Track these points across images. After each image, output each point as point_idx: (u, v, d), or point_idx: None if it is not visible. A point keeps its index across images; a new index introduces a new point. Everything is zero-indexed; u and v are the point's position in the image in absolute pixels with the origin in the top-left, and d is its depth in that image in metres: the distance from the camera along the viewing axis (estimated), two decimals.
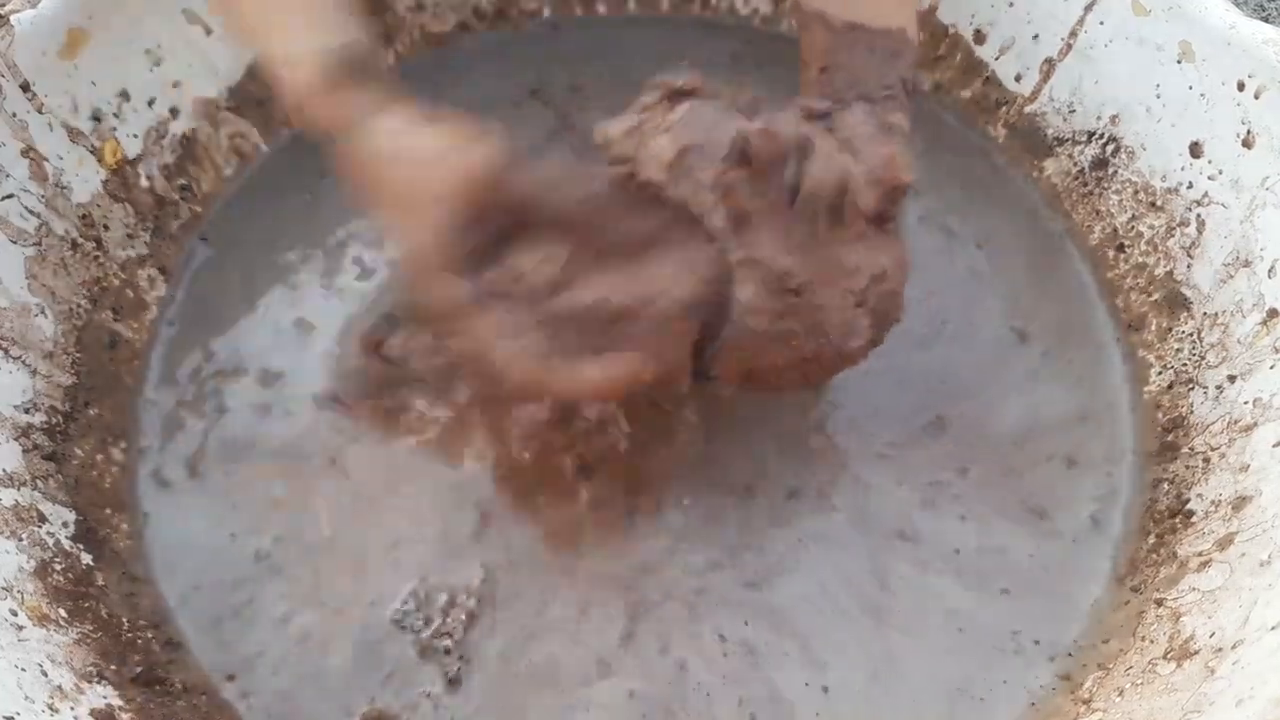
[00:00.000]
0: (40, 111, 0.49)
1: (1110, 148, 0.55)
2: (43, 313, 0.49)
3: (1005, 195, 0.58)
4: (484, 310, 0.39)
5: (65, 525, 0.46)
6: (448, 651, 0.45)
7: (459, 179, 0.38)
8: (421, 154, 0.39)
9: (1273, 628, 0.39)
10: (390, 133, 0.40)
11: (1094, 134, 0.55)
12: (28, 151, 0.49)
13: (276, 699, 0.45)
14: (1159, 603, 0.45)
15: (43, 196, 0.50)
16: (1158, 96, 0.52)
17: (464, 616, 0.46)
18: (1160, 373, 0.52)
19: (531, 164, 0.39)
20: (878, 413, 0.51)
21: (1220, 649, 0.40)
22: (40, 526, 0.45)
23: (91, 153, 0.52)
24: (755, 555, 0.48)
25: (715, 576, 0.47)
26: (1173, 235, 0.52)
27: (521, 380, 0.39)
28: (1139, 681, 0.42)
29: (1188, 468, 0.48)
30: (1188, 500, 0.47)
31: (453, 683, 0.45)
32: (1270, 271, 0.47)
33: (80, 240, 0.51)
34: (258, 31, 0.42)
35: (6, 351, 0.47)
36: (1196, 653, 0.41)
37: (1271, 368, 0.46)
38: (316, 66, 0.40)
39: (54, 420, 0.49)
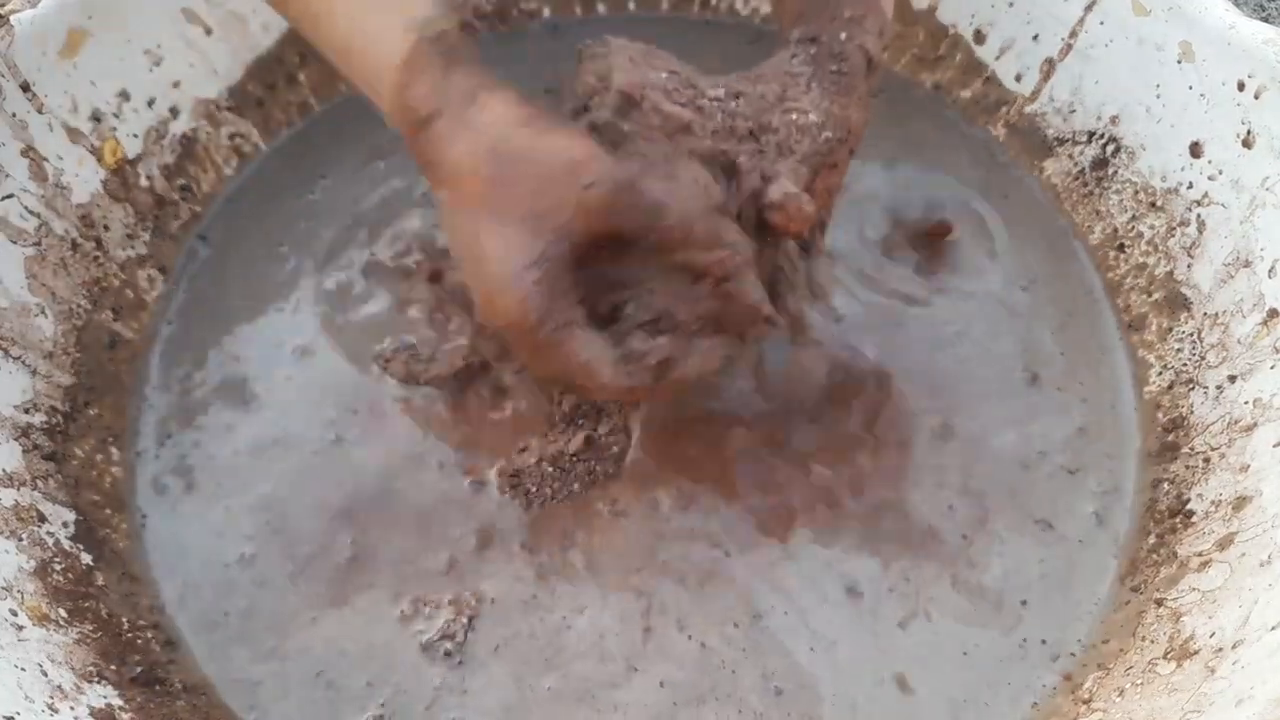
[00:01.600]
0: (40, 111, 0.49)
1: (1110, 148, 0.55)
2: (43, 313, 0.49)
3: (1056, 229, 0.57)
4: (581, 332, 0.38)
5: (65, 525, 0.46)
6: (448, 654, 0.45)
7: (579, 200, 0.35)
8: (535, 163, 0.36)
9: (1273, 628, 0.39)
10: (492, 128, 0.36)
11: (1094, 134, 0.55)
12: (28, 151, 0.49)
13: (277, 705, 0.44)
14: (1159, 603, 0.45)
15: (43, 196, 0.50)
16: (1158, 96, 0.52)
17: (466, 620, 0.46)
18: (1160, 373, 0.52)
19: (644, 180, 0.37)
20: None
21: (1220, 649, 0.40)
22: (40, 526, 0.45)
23: (91, 153, 0.52)
24: (726, 527, 0.48)
25: (699, 547, 0.47)
26: (1173, 235, 0.52)
27: (626, 392, 0.39)
28: (1139, 681, 0.42)
29: (1188, 468, 0.48)
30: (1188, 500, 0.47)
31: (465, 692, 0.44)
32: (1270, 271, 0.47)
33: (80, 240, 0.51)
34: (327, 11, 0.38)
35: (6, 351, 0.47)
36: (1196, 653, 0.41)
37: (1272, 368, 0.46)
38: (401, 44, 0.36)
39: (54, 420, 0.49)
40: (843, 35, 0.46)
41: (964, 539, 0.48)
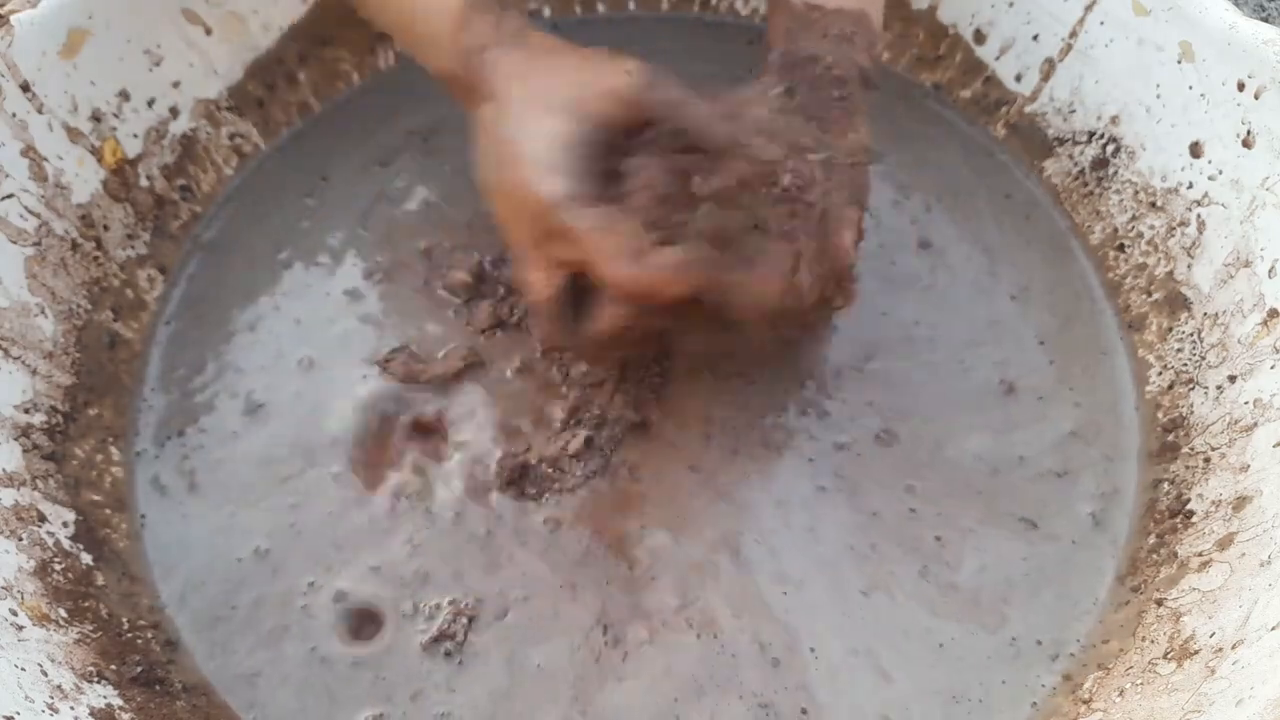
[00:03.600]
0: (40, 111, 0.49)
1: (1110, 148, 0.55)
2: (43, 313, 0.49)
3: (1056, 229, 0.57)
4: (621, 216, 0.40)
5: (65, 525, 0.46)
6: (449, 654, 0.45)
7: (615, 86, 0.40)
8: (579, 59, 0.42)
9: (1273, 628, 0.39)
10: (542, 43, 0.43)
11: (1094, 134, 0.55)
12: (28, 151, 0.49)
13: (277, 704, 0.44)
14: (1159, 603, 0.45)
15: (43, 196, 0.50)
16: (1158, 96, 0.52)
17: (466, 620, 0.46)
18: (1160, 373, 0.52)
19: (668, 86, 0.41)
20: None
21: (1220, 649, 0.40)
22: (40, 526, 0.45)
23: (91, 153, 0.52)
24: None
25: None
26: (1173, 235, 0.52)
27: (673, 285, 0.40)
28: (1139, 681, 0.42)
29: (1188, 468, 0.48)
30: (1188, 500, 0.47)
31: (454, 690, 0.45)
32: (1270, 271, 0.47)
33: (80, 240, 0.51)
34: None
35: (6, 351, 0.47)
36: (1196, 653, 0.41)
37: (1272, 368, 0.46)
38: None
39: (54, 420, 0.49)
40: (830, 58, 0.45)
41: (935, 538, 0.48)
